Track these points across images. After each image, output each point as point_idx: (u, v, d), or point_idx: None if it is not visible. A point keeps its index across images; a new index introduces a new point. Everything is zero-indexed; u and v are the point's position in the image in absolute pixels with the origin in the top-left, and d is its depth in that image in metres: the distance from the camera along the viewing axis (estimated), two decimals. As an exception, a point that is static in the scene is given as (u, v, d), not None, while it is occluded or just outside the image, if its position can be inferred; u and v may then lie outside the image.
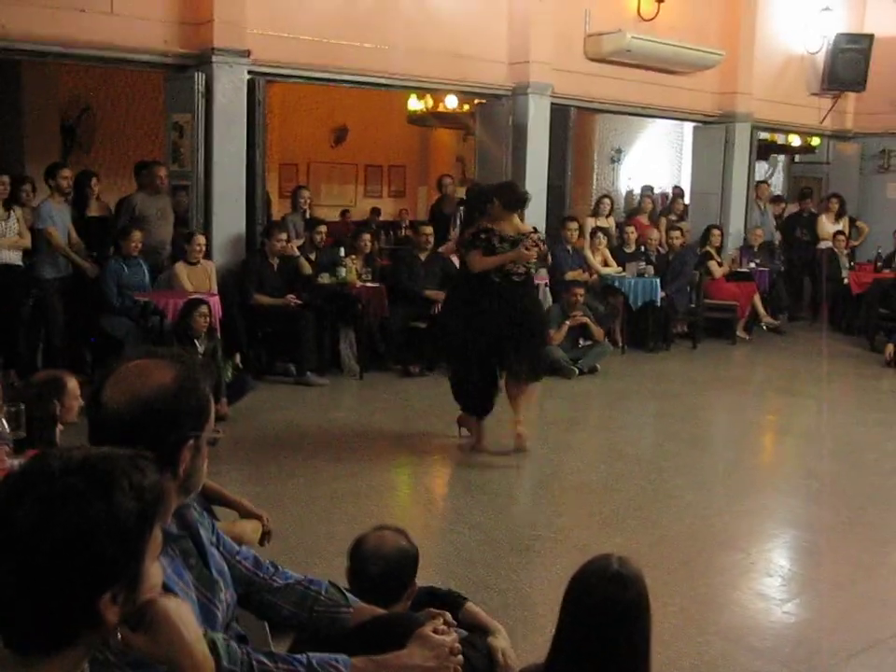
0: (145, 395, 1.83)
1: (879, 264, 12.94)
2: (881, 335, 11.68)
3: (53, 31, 8.12)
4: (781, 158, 17.33)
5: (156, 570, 1.43)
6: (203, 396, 1.91)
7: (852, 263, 13.48)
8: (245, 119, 9.15)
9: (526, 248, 6.49)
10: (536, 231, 6.79)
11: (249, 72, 9.11)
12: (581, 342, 9.84)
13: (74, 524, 1.30)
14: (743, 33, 13.00)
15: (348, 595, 2.33)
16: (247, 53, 8.97)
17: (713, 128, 13.43)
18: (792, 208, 14.92)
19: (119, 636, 1.40)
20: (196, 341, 7.25)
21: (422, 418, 7.86)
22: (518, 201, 6.77)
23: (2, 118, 12.18)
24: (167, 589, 1.56)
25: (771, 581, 4.81)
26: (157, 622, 1.43)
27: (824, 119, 14.65)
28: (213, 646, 1.65)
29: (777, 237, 14.04)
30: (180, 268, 8.55)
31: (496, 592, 4.45)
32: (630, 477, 6.46)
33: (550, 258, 7.01)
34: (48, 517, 1.30)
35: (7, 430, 3.24)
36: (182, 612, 1.47)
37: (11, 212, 8.15)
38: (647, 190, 14.92)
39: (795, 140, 15.79)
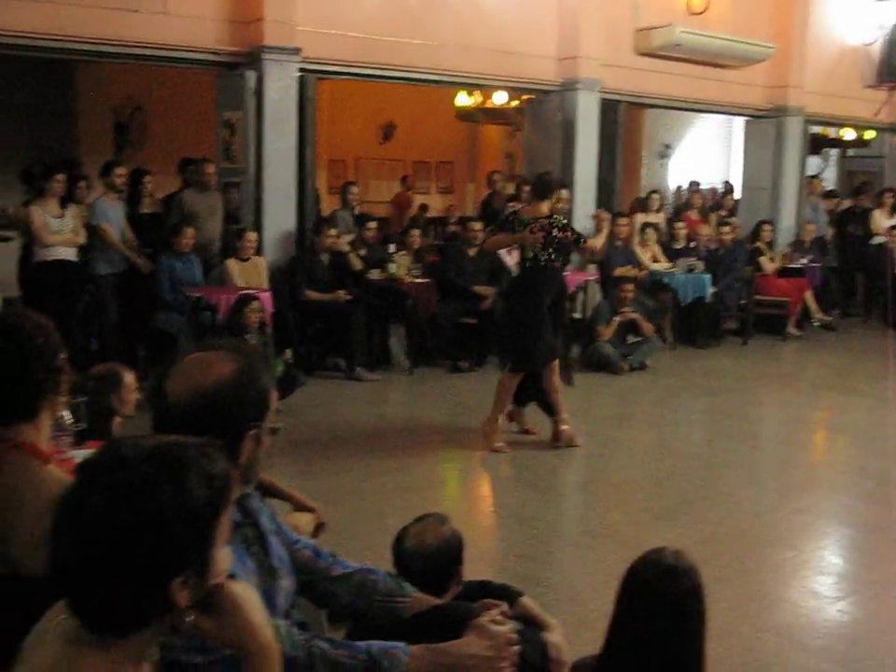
0: (207, 386, 1.87)
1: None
2: (936, 332, 11.49)
3: (108, 31, 8.25)
4: (834, 152, 17.10)
5: (224, 556, 1.47)
6: (264, 387, 1.95)
7: (907, 259, 13.27)
8: (296, 116, 9.22)
9: (531, 232, 6.51)
10: (552, 216, 6.70)
11: (299, 69, 9.17)
12: (630, 338, 9.79)
13: (147, 510, 1.34)
14: (795, 25, 12.85)
15: (406, 584, 2.36)
16: (298, 51, 9.04)
17: (764, 122, 13.29)
18: (847, 203, 14.71)
19: (189, 619, 1.44)
20: (247, 336, 7.32)
21: (472, 413, 7.85)
22: (542, 187, 6.79)
23: (57, 117, 12.39)
24: (231, 575, 1.59)
25: (824, 580, 4.77)
26: (225, 606, 1.46)
27: (879, 112, 14.42)
28: (275, 631, 1.68)
29: (830, 232, 13.85)
30: (231, 264, 8.64)
31: (547, 587, 4.46)
32: (680, 474, 6.43)
33: (582, 250, 6.82)
34: (122, 503, 1.34)
35: (69, 422, 3.30)
36: (250, 597, 1.51)
37: (67, 209, 8.29)
38: (694, 185, 14.81)
39: (848, 134, 15.57)
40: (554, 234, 6.56)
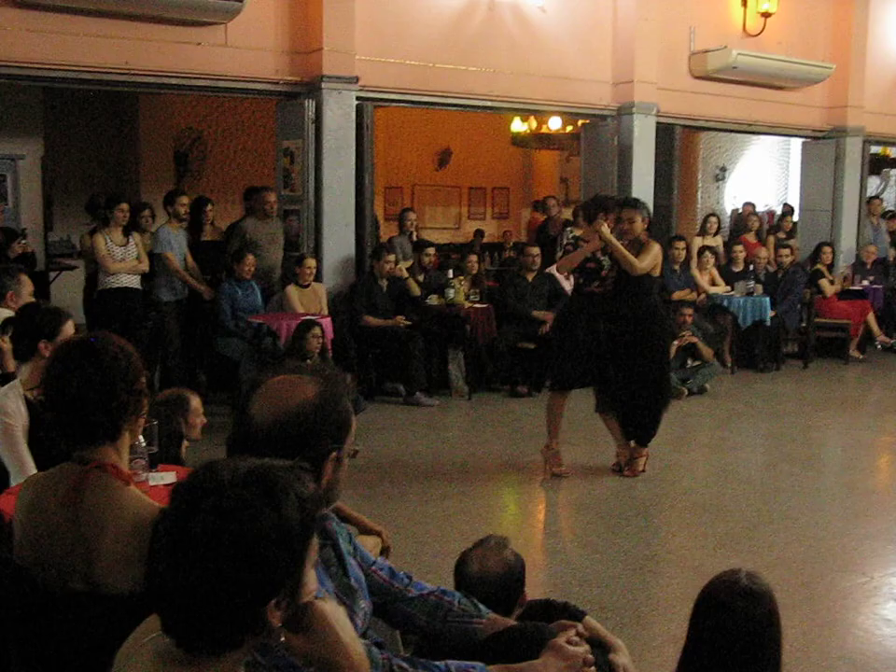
0: (289, 409, 1.91)
1: None
2: None
3: (171, 63, 8.44)
4: (894, 172, 16.88)
5: (312, 576, 1.50)
6: (345, 410, 1.99)
7: (971, 279, 13.04)
8: (354, 144, 9.33)
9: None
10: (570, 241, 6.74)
11: (357, 97, 9.29)
12: (690, 361, 9.73)
13: (247, 533, 1.37)
14: (853, 44, 12.73)
15: (481, 606, 2.37)
16: (356, 79, 9.16)
17: (823, 143, 13.17)
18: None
19: (282, 638, 1.47)
20: (309, 361, 7.38)
21: (531, 438, 7.84)
22: (590, 208, 6.78)
23: (120, 147, 12.67)
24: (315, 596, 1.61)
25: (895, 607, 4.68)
26: (315, 623, 1.49)
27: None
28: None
29: (892, 254, 13.66)
30: (291, 290, 8.74)
31: (611, 611, 4.43)
32: (744, 498, 6.36)
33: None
34: (222, 527, 1.37)
35: (143, 445, 3.37)
36: (339, 615, 1.53)
37: (130, 237, 8.45)
38: (747, 205, 14.69)
39: (909, 154, 15.38)
40: (568, 251, 6.60)
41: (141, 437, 3.32)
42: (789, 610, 4.37)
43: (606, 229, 6.41)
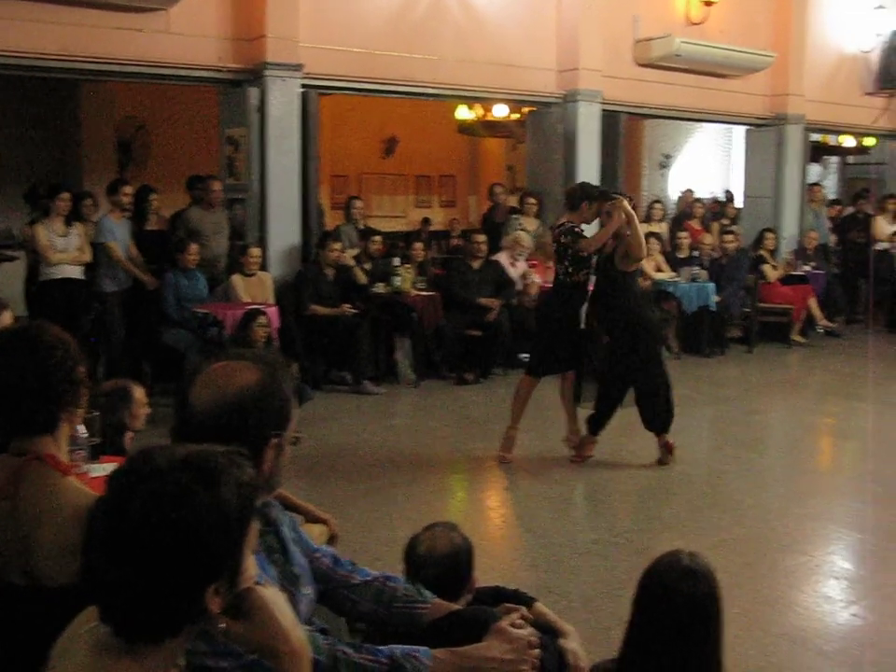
0: (230, 395, 1.89)
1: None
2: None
3: (111, 50, 8.32)
4: (834, 159, 17.14)
5: (252, 562, 1.49)
6: (286, 396, 1.97)
7: (911, 264, 13.31)
8: (298, 132, 9.26)
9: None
10: (561, 225, 6.74)
11: (302, 85, 9.23)
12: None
13: (184, 519, 1.36)
14: (794, 34, 12.91)
15: (425, 591, 2.37)
16: (300, 67, 9.09)
17: (764, 131, 13.33)
18: (848, 210, 14.75)
19: (221, 625, 1.45)
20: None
21: (478, 425, 7.89)
22: (576, 195, 6.82)
23: (61, 135, 12.46)
24: (256, 582, 1.60)
25: (836, 584, 4.78)
26: (255, 609, 1.48)
27: (878, 118, 14.47)
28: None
29: (833, 239, 13.88)
30: (237, 280, 8.67)
31: (559, 595, 4.47)
32: (689, 481, 6.44)
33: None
34: (159, 513, 1.35)
35: (85, 436, 3.32)
36: (279, 600, 1.53)
37: (72, 227, 8.33)
38: (687, 193, 14.84)
39: (848, 141, 15.61)
40: (562, 241, 6.59)
41: (83, 428, 3.29)
42: (732, 590, 4.44)
43: (627, 204, 6.50)
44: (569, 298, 6.73)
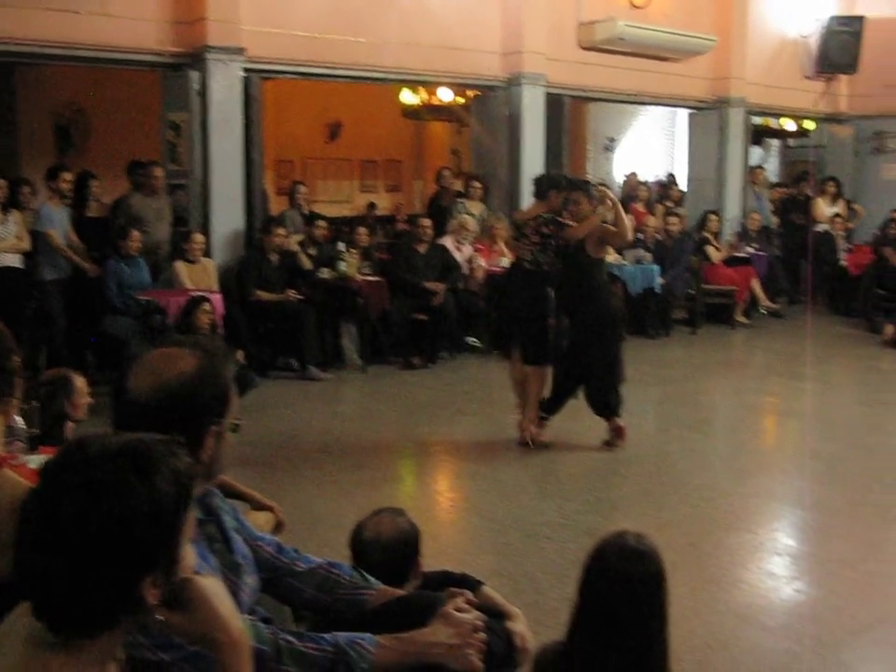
0: (169, 382, 1.86)
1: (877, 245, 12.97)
2: (880, 316, 11.71)
3: (47, 33, 8.15)
4: (776, 142, 17.34)
5: (189, 552, 1.46)
6: (226, 383, 1.95)
7: (849, 245, 13.53)
8: (241, 117, 9.16)
9: (527, 235, 6.62)
10: (538, 216, 6.75)
11: (244, 69, 9.12)
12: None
13: (118, 509, 1.33)
14: (735, 17, 13.04)
15: (370, 577, 2.36)
16: (242, 51, 8.99)
17: (707, 114, 13.45)
18: (789, 192, 14.93)
19: (159, 616, 1.43)
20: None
21: (426, 409, 7.89)
22: (543, 184, 6.88)
23: (-3, 121, 12.20)
24: (195, 572, 1.58)
25: (780, 560, 4.85)
26: (193, 600, 1.46)
27: (818, 102, 14.67)
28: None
29: (775, 221, 14.06)
30: (180, 266, 8.57)
31: (507, 577, 4.48)
32: (635, 462, 6.49)
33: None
34: (93, 504, 1.32)
35: (23, 427, 3.26)
36: (217, 590, 1.50)
37: (9, 215, 8.16)
38: (632, 177, 14.92)
39: (789, 124, 15.80)
40: (544, 230, 6.62)
41: (20, 418, 3.23)
42: (678, 569, 4.48)
43: (612, 193, 6.60)
44: (546, 285, 6.75)
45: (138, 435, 1.44)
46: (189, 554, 1.46)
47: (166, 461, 1.39)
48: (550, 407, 6.81)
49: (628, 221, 6.64)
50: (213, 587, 1.50)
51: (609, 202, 6.55)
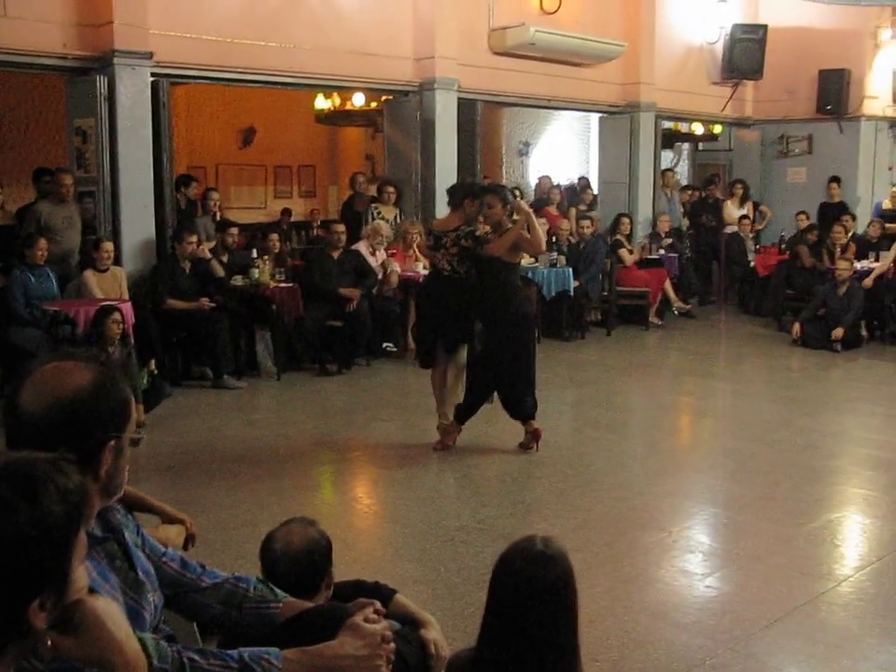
0: (63, 396, 1.80)
1: (783, 246, 13.29)
2: (788, 315, 12.00)
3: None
4: (686, 146, 17.66)
5: (82, 573, 1.42)
6: (123, 396, 1.89)
7: (757, 247, 13.85)
8: (150, 123, 9.00)
9: (447, 247, 6.72)
10: (458, 228, 6.78)
11: (152, 74, 8.97)
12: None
13: (2, 532, 1.28)
14: (644, 24, 13.26)
15: (277, 590, 2.33)
16: (150, 55, 8.83)
17: (618, 118, 13.64)
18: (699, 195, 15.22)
19: (48, 641, 1.38)
20: (110, 348, 7.11)
21: (342, 416, 7.85)
22: (457, 193, 6.95)
23: None
24: (92, 592, 1.54)
25: (693, 558, 4.92)
26: (85, 622, 1.41)
27: (725, 107, 15.00)
28: (142, 645, 1.63)
29: (685, 223, 14.31)
30: (89, 275, 8.39)
31: (424, 584, 4.48)
32: (551, 464, 6.53)
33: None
34: None
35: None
36: (111, 611, 1.46)
37: None
38: (545, 180, 15.05)
39: (698, 128, 16.11)
40: (463, 244, 6.63)
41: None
42: (594, 569, 4.56)
43: (524, 204, 6.67)
44: (443, 291, 6.80)
45: (23, 454, 1.39)
46: (82, 575, 1.42)
47: (53, 480, 1.34)
48: (464, 413, 6.82)
49: (541, 229, 6.69)
50: (106, 608, 1.46)
51: (523, 214, 6.58)
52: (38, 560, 1.30)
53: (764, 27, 14.39)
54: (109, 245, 8.51)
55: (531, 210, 6.72)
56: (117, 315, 7.25)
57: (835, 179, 14.15)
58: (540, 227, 6.78)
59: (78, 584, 1.40)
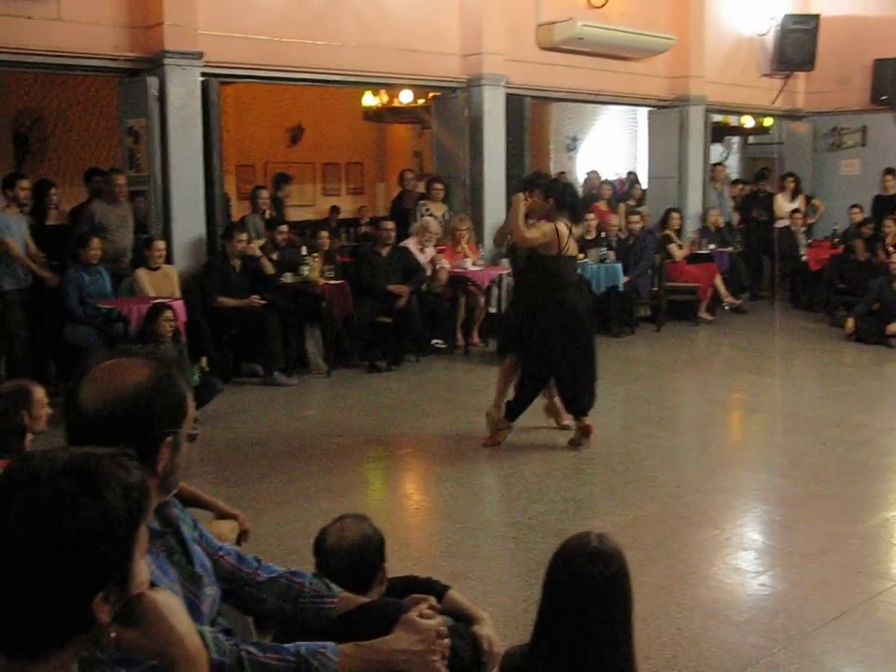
0: (121, 393, 1.83)
1: (836, 240, 13.11)
2: (841, 310, 11.84)
3: (0, 39, 8.02)
4: (735, 140, 17.48)
5: (143, 567, 1.43)
6: (180, 392, 1.91)
7: (809, 241, 13.66)
8: (201, 122, 9.09)
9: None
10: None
11: (202, 74, 9.05)
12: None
13: (66, 527, 1.29)
14: (692, 17, 13.11)
15: (332, 585, 2.34)
16: (200, 55, 8.91)
17: (667, 112, 13.53)
18: (749, 189, 15.06)
19: (112, 634, 1.40)
20: (161, 346, 7.20)
21: (392, 413, 7.87)
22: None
23: (-48, 130, 12.04)
24: (153, 585, 1.55)
25: (745, 555, 4.87)
26: (147, 615, 1.43)
27: (776, 99, 14.81)
28: (201, 638, 1.65)
29: (736, 218, 14.17)
30: (141, 274, 8.50)
31: (475, 580, 4.48)
32: (601, 461, 6.50)
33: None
34: (39, 522, 1.29)
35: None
36: (172, 604, 1.47)
37: (-35, 225, 8.04)
38: (592, 175, 14.99)
39: (748, 121, 15.93)
40: None
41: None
42: (646, 566, 4.53)
43: (520, 196, 6.65)
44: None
45: (85, 449, 1.41)
46: (143, 569, 1.44)
47: (115, 475, 1.36)
48: (515, 410, 6.81)
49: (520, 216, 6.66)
50: (168, 602, 1.47)
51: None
52: (102, 554, 1.32)
53: (816, 17, 14.17)
54: (161, 244, 8.61)
55: (519, 197, 6.68)
56: (169, 313, 7.34)
57: (890, 171, 13.88)
58: (568, 224, 6.72)
59: (140, 578, 1.42)
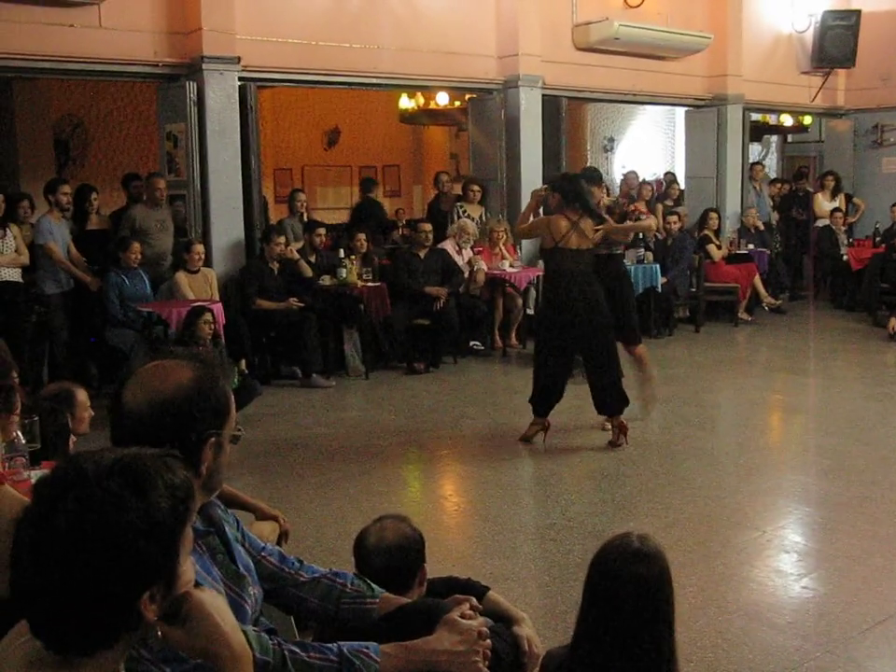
0: (165, 394, 1.85)
1: (878, 239, 12.96)
2: (883, 310, 11.70)
3: (42, 47, 8.16)
4: (774, 138, 17.33)
5: (188, 566, 1.45)
6: (224, 394, 1.93)
7: (850, 240, 13.51)
8: (239, 126, 9.16)
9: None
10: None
11: (240, 78, 9.13)
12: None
13: (114, 526, 1.32)
14: (730, 15, 13.01)
15: (374, 586, 2.35)
16: (237, 60, 8.99)
17: (705, 111, 13.44)
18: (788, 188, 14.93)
19: (158, 632, 1.42)
20: (201, 348, 7.25)
21: (430, 414, 7.88)
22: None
23: (-5, 136, 12.21)
24: (197, 585, 1.57)
25: (787, 558, 4.82)
26: (193, 614, 1.45)
27: (815, 97, 14.66)
28: (245, 637, 1.66)
29: (775, 217, 14.05)
30: (181, 277, 8.57)
31: (514, 581, 4.47)
32: (641, 462, 6.47)
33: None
34: (88, 521, 1.31)
35: (23, 442, 3.24)
36: (217, 603, 1.49)
37: (7, 229, 8.15)
38: (631, 176, 14.90)
39: (787, 120, 15.79)
40: None
41: (20, 433, 3.21)
42: (686, 568, 4.50)
43: (535, 190, 7.01)
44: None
45: (132, 450, 1.43)
46: (189, 568, 1.45)
47: (161, 476, 1.38)
48: (536, 402, 6.86)
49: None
50: (213, 601, 1.49)
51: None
52: (148, 554, 1.34)
53: (857, 12, 13.99)
54: (200, 247, 8.69)
55: (533, 191, 7.10)
56: (208, 316, 7.40)
57: (933, 168, 13.74)
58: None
59: (186, 577, 1.43)
